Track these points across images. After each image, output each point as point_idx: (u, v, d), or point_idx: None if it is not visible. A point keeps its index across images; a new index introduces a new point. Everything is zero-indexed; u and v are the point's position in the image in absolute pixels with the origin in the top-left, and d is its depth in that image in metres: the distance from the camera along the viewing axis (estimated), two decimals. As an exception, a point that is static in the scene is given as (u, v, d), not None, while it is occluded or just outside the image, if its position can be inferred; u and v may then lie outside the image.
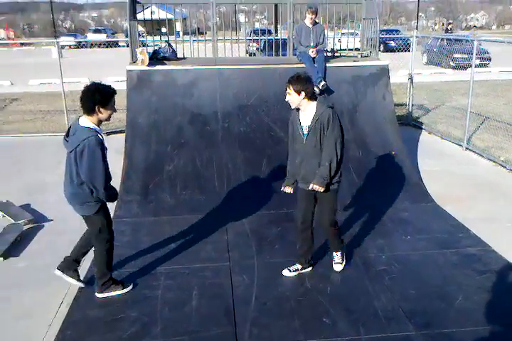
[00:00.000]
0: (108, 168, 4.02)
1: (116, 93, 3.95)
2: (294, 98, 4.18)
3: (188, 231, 5.62)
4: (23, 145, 9.51)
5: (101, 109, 3.86)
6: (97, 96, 3.81)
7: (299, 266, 4.71)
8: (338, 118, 4.20)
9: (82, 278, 4.51)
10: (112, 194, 4.13)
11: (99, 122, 3.99)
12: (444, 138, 9.58)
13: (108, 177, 4.03)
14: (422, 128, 10.37)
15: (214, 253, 5.11)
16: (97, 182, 3.92)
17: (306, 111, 4.24)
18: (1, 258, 4.99)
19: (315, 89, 7.22)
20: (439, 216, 5.98)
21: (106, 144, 3.99)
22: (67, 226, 5.75)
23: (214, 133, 7.03)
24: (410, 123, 10.72)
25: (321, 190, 4.26)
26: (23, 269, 4.85)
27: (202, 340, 3.71)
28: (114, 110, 3.99)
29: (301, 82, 4.13)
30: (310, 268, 4.76)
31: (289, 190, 4.59)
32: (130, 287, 4.44)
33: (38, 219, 5.98)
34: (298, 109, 4.32)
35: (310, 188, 4.31)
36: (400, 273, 4.63)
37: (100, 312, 4.06)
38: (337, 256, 4.76)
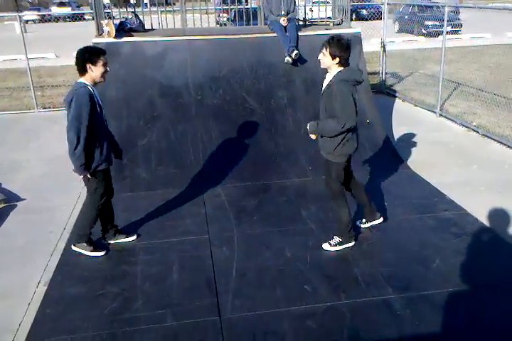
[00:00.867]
0: (96, 125, 4.09)
1: (105, 52, 4.20)
2: (327, 60, 4.12)
3: (165, 206, 5.57)
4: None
5: (91, 67, 4.08)
6: (86, 55, 4.08)
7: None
8: (347, 93, 4.05)
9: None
10: (78, 159, 4.04)
11: (94, 82, 4.16)
12: (417, 106, 9.63)
13: (90, 137, 4.05)
14: (395, 96, 10.39)
15: (192, 226, 5.08)
16: (74, 135, 3.98)
17: (331, 74, 4.18)
18: (-25, 239, 4.88)
19: (287, 58, 7.16)
20: (415, 182, 6.05)
21: (98, 98, 4.14)
22: (40, 205, 5.65)
23: (187, 106, 6.92)
24: (384, 91, 10.72)
25: (310, 134, 4.36)
26: (-2, 249, 4.75)
27: (184, 313, 3.71)
28: (106, 69, 4.16)
29: (341, 47, 4.04)
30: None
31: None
32: (100, 253, 4.53)
33: (11, 199, 5.84)
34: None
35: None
36: (378, 239, 4.69)
37: (80, 290, 4.02)
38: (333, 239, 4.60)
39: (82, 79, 4.13)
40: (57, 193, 5.97)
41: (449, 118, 8.56)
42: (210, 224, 5.11)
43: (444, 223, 4.95)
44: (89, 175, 4.19)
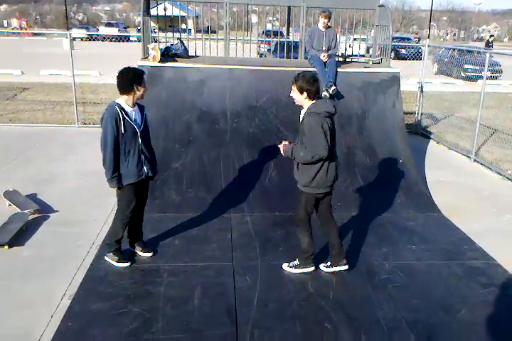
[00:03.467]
0: (123, 144, 4.38)
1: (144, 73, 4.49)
2: (296, 96, 4.33)
3: (193, 229, 5.62)
4: (33, 135, 9.52)
5: (138, 87, 4.36)
6: (134, 76, 4.36)
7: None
8: (316, 125, 4.19)
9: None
10: (109, 174, 4.38)
11: (135, 101, 4.45)
12: (451, 149, 9.57)
13: (116, 152, 4.36)
14: (430, 138, 10.36)
15: (218, 252, 5.11)
16: (102, 152, 4.37)
17: (304, 108, 4.37)
18: (6, 247, 4.99)
19: (325, 93, 7.24)
20: (445, 227, 5.97)
21: (132, 117, 4.41)
22: (72, 217, 5.77)
23: (222, 132, 7.03)
24: (419, 132, 10.71)
25: (281, 150, 4.51)
26: (27, 259, 4.85)
27: (203, 339, 3.70)
28: (146, 88, 4.46)
29: (305, 81, 4.23)
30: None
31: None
32: (125, 264, 4.72)
33: (44, 210, 5.98)
34: None
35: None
36: (404, 283, 4.62)
37: (102, 306, 4.06)
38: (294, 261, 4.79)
39: (119, 99, 4.41)
40: (90, 207, 6.09)
41: (484, 165, 8.48)
42: (235, 252, 5.13)
43: (473, 272, 4.86)
44: (117, 188, 4.48)
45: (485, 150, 9.27)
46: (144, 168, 4.60)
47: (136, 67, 4.61)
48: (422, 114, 11.00)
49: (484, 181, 7.76)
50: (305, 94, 4.24)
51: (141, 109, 4.62)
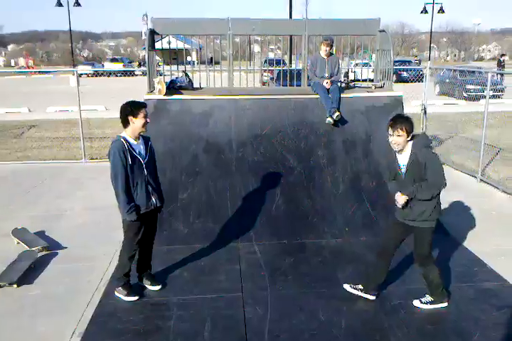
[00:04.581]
0: (131, 175, 4.45)
1: (145, 106, 4.55)
2: (403, 140, 4.15)
3: (201, 261, 5.61)
4: (40, 172, 9.63)
5: (133, 119, 4.44)
6: (128, 108, 4.47)
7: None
8: (437, 158, 4.27)
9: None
10: (125, 206, 4.42)
11: (136, 133, 4.51)
12: (457, 169, 9.55)
13: (127, 184, 4.42)
14: (435, 159, 10.32)
15: (227, 283, 5.08)
16: (114, 185, 4.44)
17: (406, 150, 4.25)
18: (15, 286, 4.99)
19: (329, 119, 7.31)
20: (455, 249, 5.91)
21: (136, 149, 4.49)
22: (81, 253, 5.78)
23: (228, 162, 7.07)
24: (424, 154, 10.68)
25: (402, 201, 4.31)
26: (36, 297, 4.84)
27: (214, 374, 3.66)
28: (146, 120, 4.49)
29: (411, 123, 4.18)
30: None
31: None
32: (133, 298, 4.70)
33: (53, 247, 6.00)
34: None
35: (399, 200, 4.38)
36: (416, 308, 4.55)
37: (112, 343, 4.03)
38: (425, 297, 4.63)
39: (123, 133, 4.53)
40: (99, 242, 6.11)
41: (491, 184, 8.44)
42: (244, 282, 5.10)
43: (484, 294, 4.79)
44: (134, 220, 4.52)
45: (491, 170, 9.25)
46: (153, 198, 4.65)
47: (139, 100, 4.70)
48: (426, 135, 11.00)
49: (492, 201, 7.72)
50: (410, 135, 4.17)
51: (146, 141, 4.70)
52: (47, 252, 5.86)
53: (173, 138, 7.20)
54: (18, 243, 6.04)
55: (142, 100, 7.35)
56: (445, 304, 4.57)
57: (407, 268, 5.37)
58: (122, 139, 4.45)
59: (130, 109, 4.45)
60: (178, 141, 7.18)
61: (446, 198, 7.56)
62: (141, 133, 4.58)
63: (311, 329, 4.24)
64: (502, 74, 21.23)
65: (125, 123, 4.49)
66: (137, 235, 4.62)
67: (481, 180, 8.73)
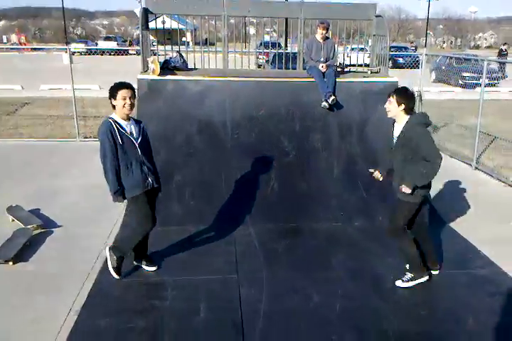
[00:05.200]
0: (118, 155, 4.40)
1: (126, 87, 4.44)
2: (393, 107, 4.41)
3: (196, 242, 5.62)
4: (34, 150, 9.55)
5: (113, 101, 4.43)
6: (109, 91, 4.46)
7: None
8: (427, 133, 4.34)
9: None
10: (113, 186, 4.41)
11: (122, 114, 4.46)
12: (453, 157, 9.59)
13: (117, 163, 4.41)
14: (430, 146, 10.35)
15: (222, 265, 5.10)
16: (103, 164, 4.42)
17: (400, 122, 4.47)
18: (11, 263, 4.99)
19: (324, 103, 7.29)
20: (449, 236, 5.96)
21: (127, 129, 4.45)
22: (76, 232, 5.77)
23: (223, 144, 7.04)
24: (419, 141, 10.71)
25: (408, 191, 4.42)
26: (32, 274, 4.84)
27: (210, 353, 3.69)
28: (125, 102, 4.40)
29: (406, 95, 4.38)
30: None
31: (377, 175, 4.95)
32: (116, 275, 4.69)
33: (47, 225, 5.98)
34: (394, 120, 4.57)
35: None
36: (410, 293, 4.60)
37: (109, 321, 4.04)
38: (406, 275, 4.74)
39: (113, 114, 4.52)
40: (93, 221, 6.09)
41: (486, 172, 8.49)
42: (239, 264, 5.12)
43: (479, 281, 4.84)
44: (121, 202, 4.54)
45: (486, 158, 9.29)
46: (149, 178, 4.64)
47: (124, 81, 4.59)
48: (421, 122, 11.01)
49: (486, 188, 7.77)
50: (402, 106, 4.35)
51: (139, 124, 4.68)
52: (42, 230, 5.84)
53: (167, 118, 7.13)
54: (13, 220, 6.01)
55: (135, 78, 7.35)
56: (425, 278, 4.70)
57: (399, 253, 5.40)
58: (110, 119, 4.44)
59: (110, 92, 4.45)
60: (173, 122, 7.12)
61: (440, 186, 7.62)
62: (129, 114, 4.53)
63: (305, 311, 4.27)
64: (504, 63, 21.17)
65: (112, 105, 4.49)
66: (148, 216, 4.64)
67: (475, 167, 8.77)
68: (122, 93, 4.41)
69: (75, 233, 5.75)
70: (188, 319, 4.12)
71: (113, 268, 4.69)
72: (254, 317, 4.16)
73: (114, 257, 4.71)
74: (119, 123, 4.45)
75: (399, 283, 4.70)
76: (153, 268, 4.94)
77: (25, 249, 5.29)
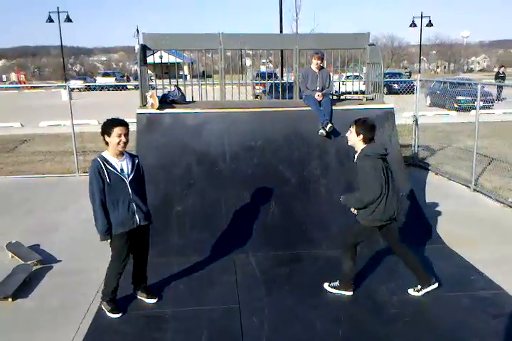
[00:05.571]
0: (105, 193, 4.40)
1: (121, 124, 4.41)
2: (352, 137, 4.73)
3: (197, 272, 5.60)
4: (33, 186, 9.59)
5: (107, 138, 4.41)
6: (103, 127, 4.45)
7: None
8: (368, 167, 4.55)
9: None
10: (100, 225, 4.43)
11: (115, 151, 4.45)
12: (451, 179, 9.61)
13: (102, 201, 4.39)
14: (428, 169, 10.42)
15: (223, 295, 5.06)
16: (91, 202, 4.41)
17: (358, 152, 4.74)
18: (10, 299, 4.95)
19: (321, 131, 7.37)
20: (450, 258, 5.93)
21: (117, 167, 4.43)
22: (75, 266, 5.75)
23: (222, 174, 7.09)
24: (416, 164, 10.79)
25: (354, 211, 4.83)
26: (31, 310, 4.80)
27: (212, 385, 3.63)
28: (120, 139, 4.38)
29: (364, 126, 4.67)
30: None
31: None
32: (115, 315, 4.62)
33: (47, 260, 5.97)
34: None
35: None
36: (413, 317, 4.56)
37: (109, 356, 4.00)
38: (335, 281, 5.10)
39: (105, 151, 4.51)
40: (93, 255, 6.07)
41: (484, 194, 8.50)
42: (240, 293, 5.08)
43: (481, 303, 4.80)
44: (108, 240, 4.51)
45: (484, 179, 9.31)
46: (136, 216, 4.57)
47: (118, 117, 4.56)
48: (418, 146, 11.11)
49: (486, 210, 7.77)
50: (361, 136, 4.65)
51: (133, 158, 4.66)
52: (41, 266, 5.82)
53: (167, 150, 7.21)
54: (13, 257, 6.00)
55: (134, 113, 7.47)
56: (348, 293, 4.99)
57: (402, 277, 5.38)
58: (99, 158, 4.42)
59: (104, 128, 4.42)
60: (172, 154, 7.20)
61: (439, 207, 7.62)
62: (122, 151, 4.51)
63: (308, 339, 4.23)
64: (501, 87, 21.41)
65: (105, 142, 4.47)
66: (121, 253, 4.58)
67: (474, 189, 8.78)
68: (117, 130, 4.38)
69: (74, 267, 5.73)
70: (189, 351, 4.07)
71: (109, 311, 4.65)
72: (257, 347, 4.11)
73: (105, 303, 4.70)
74: (109, 162, 4.44)
75: (326, 285, 5.11)
76: (154, 301, 4.90)
77: (24, 285, 5.26)
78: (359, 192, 4.65)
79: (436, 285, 4.98)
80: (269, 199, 6.80)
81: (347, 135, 4.79)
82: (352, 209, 4.85)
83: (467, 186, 8.98)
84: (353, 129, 4.70)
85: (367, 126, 4.66)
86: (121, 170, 4.49)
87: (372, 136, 4.68)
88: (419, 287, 4.98)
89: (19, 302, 4.97)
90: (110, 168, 4.41)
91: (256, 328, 4.40)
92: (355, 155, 4.75)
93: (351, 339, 4.21)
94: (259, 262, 5.86)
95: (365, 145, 4.67)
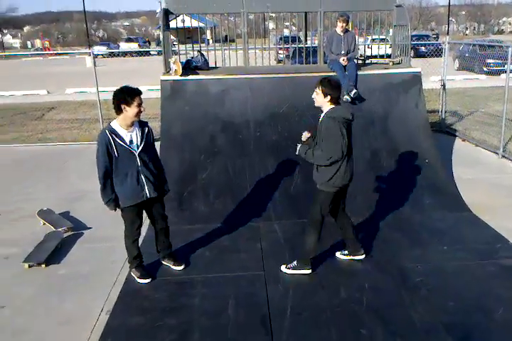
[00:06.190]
0: (113, 166, 4.38)
1: (140, 93, 4.30)
2: (319, 98, 4.50)
3: (222, 240, 5.68)
4: (61, 154, 9.77)
5: (126, 107, 4.23)
6: (121, 96, 4.22)
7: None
8: (334, 129, 4.40)
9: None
10: (104, 196, 4.48)
11: (128, 120, 4.32)
12: (478, 146, 9.44)
13: (111, 176, 4.41)
14: (455, 136, 10.24)
15: (248, 262, 5.14)
16: (98, 173, 4.41)
17: (323, 112, 4.57)
18: (43, 266, 5.13)
19: (346, 97, 7.25)
20: (476, 226, 5.90)
21: (126, 140, 4.34)
22: (105, 233, 5.89)
23: (246, 142, 7.09)
24: (443, 130, 10.60)
25: (298, 151, 4.76)
26: (64, 276, 4.98)
27: (239, 349, 3.75)
28: (139, 109, 4.28)
29: (331, 86, 4.45)
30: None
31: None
32: (144, 280, 4.74)
33: (78, 227, 6.13)
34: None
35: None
36: (437, 285, 4.58)
37: (139, 320, 4.14)
38: (292, 262, 4.93)
39: (114, 121, 4.38)
40: (121, 223, 6.18)
41: (512, 160, 8.34)
42: (265, 260, 5.16)
43: (508, 271, 4.78)
44: (114, 210, 4.58)
45: (513, 146, 9.12)
46: (146, 189, 4.50)
47: (133, 86, 4.37)
48: (445, 111, 10.89)
49: (513, 177, 7.64)
50: (328, 97, 4.44)
51: (143, 127, 4.50)
52: (72, 233, 5.99)
53: (191, 118, 7.22)
54: (44, 224, 6.17)
55: (157, 79, 7.45)
56: (307, 271, 4.83)
57: (428, 245, 5.38)
58: (108, 131, 4.30)
59: (123, 97, 4.20)
60: (196, 122, 7.20)
61: (466, 174, 7.53)
62: (135, 121, 4.38)
63: (333, 306, 4.29)
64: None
65: (117, 110, 4.26)
66: (133, 224, 4.62)
67: (502, 156, 8.62)
68: (138, 100, 4.25)
69: (104, 235, 5.87)
70: (216, 316, 4.18)
71: (138, 277, 4.77)
72: (282, 313, 4.19)
73: (133, 269, 4.82)
74: (118, 134, 4.32)
75: (283, 267, 4.91)
76: (180, 268, 5.00)
77: (56, 252, 5.44)
78: (322, 152, 4.46)
79: (363, 256, 5.03)
80: (293, 167, 6.79)
81: (313, 96, 4.55)
82: (303, 136, 4.73)
83: (495, 153, 8.81)
84: (319, 90, 4.46)
85: (333, 86, 4.44)
86: (131, 141, 4.37)
87: (338, 95, 4.48)
88: (346, 252, 5.10)
89: (52, 268, 5.14)
90: (119, 141, 4.30)
91: (281, 295, 4.48)
92: (321, 115, 4.56)
93: (376, 306, 4.26)
94: (283, 229, 5.92)
95: (332, 107, 4.48)
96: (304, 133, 4.75)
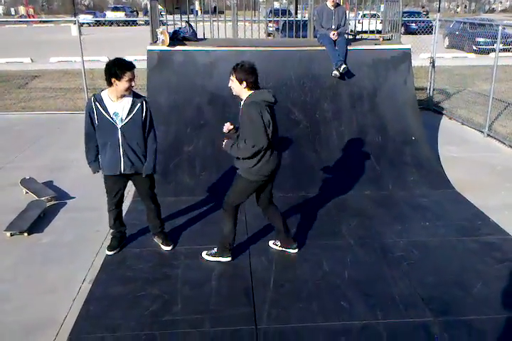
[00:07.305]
0: (96, 134, 4.40)
1: (132, 67, 4.17)
2: (235, 86, 4.14)
3: (207, 212, 5.69)
4: (45, 123, 9.62)
5: (116, 81, 4.13)
6: (113, 69, 4.11)
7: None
8: (256, 115, 4.04)
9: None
10: (86, 157, 4.59)
11: (118, 94, 4.23)
12: (464, 124, 9.49)
13: (90, 139, 4.48)
14: (442, 114, 10.27)
15: (232, 234, 5.16)
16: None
17: (243, 99, 4.20)
18: (26, 234, 5.10)
19: (335, 72, 7.20)
20: (459, 203, 5.97)
21: (110, 111, 4.25)
22: (88, 203, 5.86)
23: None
24: (431, 108, 10.61)
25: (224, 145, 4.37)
26: (47, 245, 4.96)
27: (221, 319, 3.78)
28: (130, 84, 4.17)
29: (245, 71, 4.06)
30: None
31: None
32: (111, 252, 4.73)
33: (61, 196, 6.08)
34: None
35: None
36: (418, 260, 4.65)
37: (122, 289, 4.15)
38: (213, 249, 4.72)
39: (105, 91, 4.29)
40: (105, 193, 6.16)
41: (498, 139, 8.41)
42: (249, 233, 5.18)
43: (487, 247, 4.87)
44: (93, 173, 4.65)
45: (499, 125, 9.17)
46: (121, 164, 4.39)
47: (126, 59, 4.23)
48: (433, 89, 10.88)
49: (498, 156, 7.71)
50: (244, 83, 4.08)
51: (136, 101, 4.33)
52: (55, 202, 5.94)
53: (178, 90, 7.12)
54: (27, 192, 6.11)
55: (144, 49, 7.30)
56: (227, 259, 4.64)
57: (410, 221, 5.44)
58: (93, 99, 4.26)
59: (113, 71, 4.09)
60: (182, 93, 7.11)
61: (451, 152, 7.58)
62: (125, 94, 4.26)
63: (314, 279, 4.34)
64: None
65: (108, 82, 4.17)
66: (111, 192, 4.60)
67: (488, 134, 8.68)
68: (129, 75, 4.13)
69: (87, 204, 5.84)
70: (199, 286, 4.21)
71: (107, 248, 4.76)
72: (265, 285, 4.24)
73: (112, 234, 4.85)
74: (102, 103, 4.24)
75: (204, 254, 4.71)
76: (169, 248, 4.85)
77: (39, 221, 5.40)
78: (247, 141, 4.11)
79: (295, 250, 4.79)
80: (279, 142, 6.75)
81: (229, 85, 4.17)
82: (225, 128, 4.37)
83: (481, 131, 8.87)
84: (233, 78, 4.09)
85: (247, 71, 4.04)
86: (115, 113, 4.26)
87: (254, 80, 4.08)
88: (278, 243, 4.86)
89: (34, 237, 5.12)
90: (102, 110, 4.23)
91: (264, 267, 4.52)
92: (241, 104, 4.19)
93: (357, 280, 4.32)
94: (268, 203, 5.91)
95: (250, 93, 4.11)
96: (225, 125, 4.38)
